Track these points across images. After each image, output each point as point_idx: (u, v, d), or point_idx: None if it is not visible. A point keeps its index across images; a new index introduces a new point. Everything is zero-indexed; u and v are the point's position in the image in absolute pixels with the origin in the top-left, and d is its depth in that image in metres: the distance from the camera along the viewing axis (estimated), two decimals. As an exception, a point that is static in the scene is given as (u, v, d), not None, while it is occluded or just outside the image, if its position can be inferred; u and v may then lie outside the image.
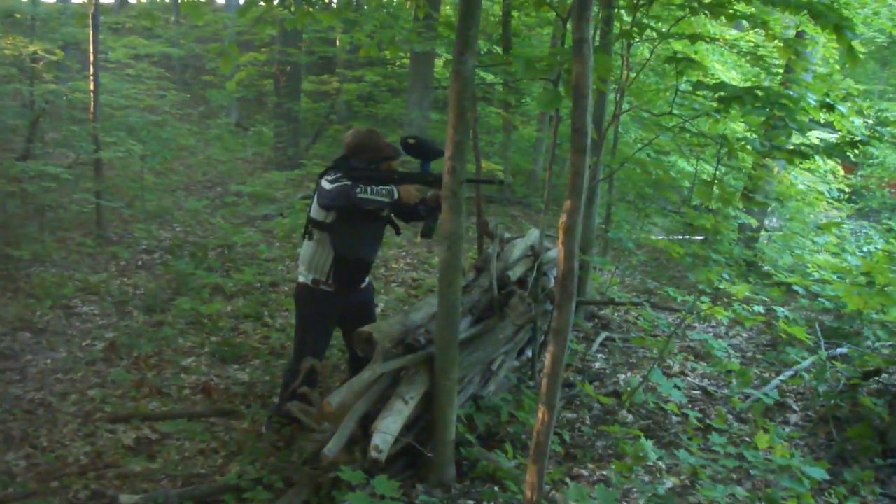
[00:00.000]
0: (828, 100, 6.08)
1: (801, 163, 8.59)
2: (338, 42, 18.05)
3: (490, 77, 11.88)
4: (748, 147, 6.05)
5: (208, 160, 16.39)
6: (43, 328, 7.54)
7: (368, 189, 4.90)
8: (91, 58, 10.60)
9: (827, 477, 4.47)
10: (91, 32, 10.58)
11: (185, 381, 6.53)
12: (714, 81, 5.77)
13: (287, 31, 15.90)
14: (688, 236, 11.15)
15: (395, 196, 4.99)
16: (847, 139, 5.96)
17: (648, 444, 4.61)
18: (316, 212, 5.13)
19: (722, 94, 5.36)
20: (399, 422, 4.22)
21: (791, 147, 6.23)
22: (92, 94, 10.58)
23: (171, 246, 10.43)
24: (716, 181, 6.21)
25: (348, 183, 4.88)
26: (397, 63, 18.04)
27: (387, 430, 4.09)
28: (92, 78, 10.58)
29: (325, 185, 4.91)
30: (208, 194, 13.94)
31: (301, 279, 5.31)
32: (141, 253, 10.32)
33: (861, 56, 5.66)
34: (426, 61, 14.12)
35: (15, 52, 10.61)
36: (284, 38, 16.42)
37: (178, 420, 5.70)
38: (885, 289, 5.74)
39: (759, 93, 5.27)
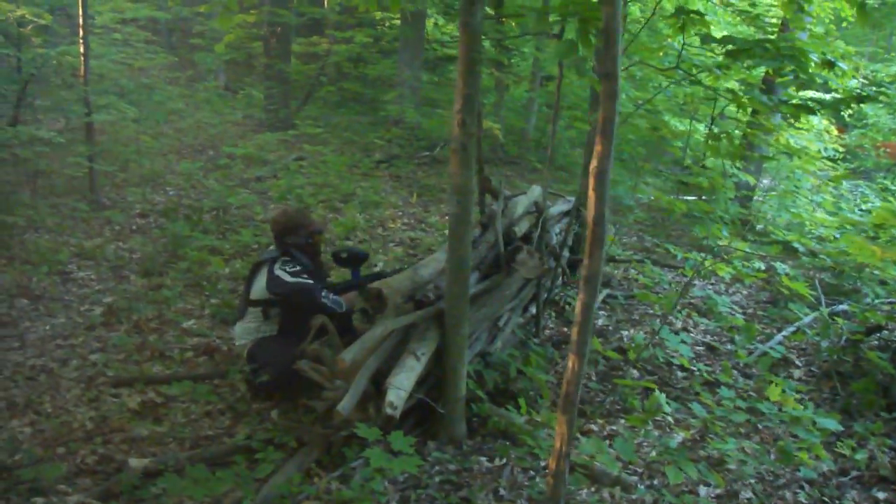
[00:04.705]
0: (829, 57, 6.03)
1: (798, 119, 8.56)
2: (326, 3, 17.85)
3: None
4: (756, 101, 5.99)
5: (198, 123, 16.22)
6: (40, 294, 7.46)
7: (331, 296, 5.29)
8: (80, 20, 10.44)
9: (841, 428, 4.49)
10: (79, -5, 10.43)
11: (187, 344, 6.49)
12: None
13: (276, -8, 15.73)
14: (681, 196, 11.12)
15: (343, 308, 5.37)
16: (852, 94, 5.90)
17: (662, 396, 4.61)
18: (260, 294, 5.40)
19: (730, 47, 5.30)
20: (412, 378, 4.20)
21: (797, 102, 6.18)
22: (82, 58, 10.42)
23: (166, 209, 10.34)
24: (723, 135, 6.16)
25: (310, 282, 5.22)
26: (387, 24, 17.85)
27: (400, 386, 4.06)
28: (81, 41, 10.43)
29: (283, 276, 5.20)
30: (200, 157, 13.80)
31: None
32: (135, 217, 10.22)
33: (866, 15, 5.58)
34: (417, 21, 13.98)
35: (2, 17, 10.42)
36: (274, -1, 16.23)
37: (183, 382, 5.63)
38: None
39: (768, 46, 5.22)
